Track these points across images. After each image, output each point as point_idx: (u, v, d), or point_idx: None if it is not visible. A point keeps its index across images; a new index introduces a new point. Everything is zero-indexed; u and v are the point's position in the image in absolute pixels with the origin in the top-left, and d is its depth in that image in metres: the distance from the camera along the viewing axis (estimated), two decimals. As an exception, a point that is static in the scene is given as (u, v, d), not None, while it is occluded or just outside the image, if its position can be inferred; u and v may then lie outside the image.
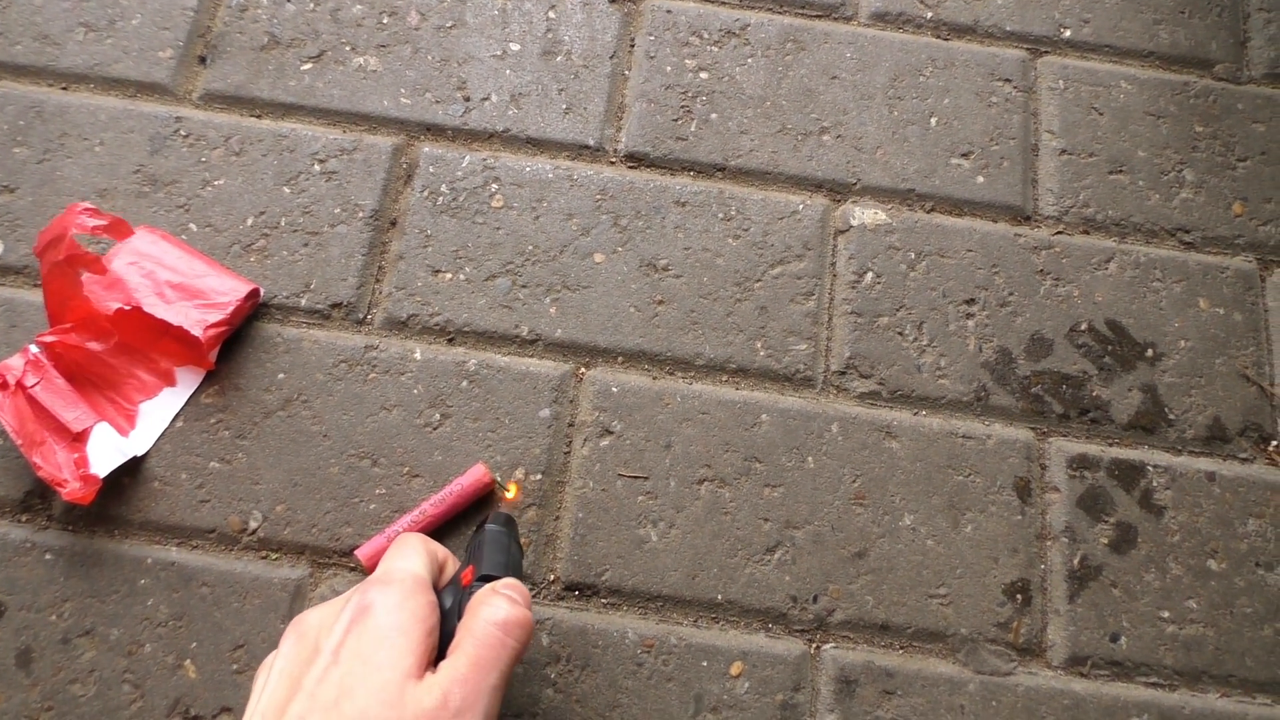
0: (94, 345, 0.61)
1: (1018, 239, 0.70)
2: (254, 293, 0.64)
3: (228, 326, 0.63)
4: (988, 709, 0.59)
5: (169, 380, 0.62)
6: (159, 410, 0.62)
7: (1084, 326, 0.68)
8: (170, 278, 0.63)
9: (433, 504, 0.60)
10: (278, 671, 0.44)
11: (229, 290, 0.63)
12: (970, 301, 0.68)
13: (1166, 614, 0.61)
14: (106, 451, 0.59)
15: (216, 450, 0.62)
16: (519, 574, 0.51)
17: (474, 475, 0.60)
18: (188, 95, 0.70)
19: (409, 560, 0.48)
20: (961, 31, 0.76)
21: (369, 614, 0.44)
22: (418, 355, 0.64)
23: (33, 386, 0.59)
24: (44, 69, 0.70)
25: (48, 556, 0.59)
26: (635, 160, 0.70)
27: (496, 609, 0.45)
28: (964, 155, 0.72)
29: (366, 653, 0.43)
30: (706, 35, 0.74)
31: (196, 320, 0.61)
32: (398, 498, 0.61)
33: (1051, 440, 0.65)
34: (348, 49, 0.72)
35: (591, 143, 0.71)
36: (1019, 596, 0.61)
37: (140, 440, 0.60)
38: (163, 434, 0.61)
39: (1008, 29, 0.76)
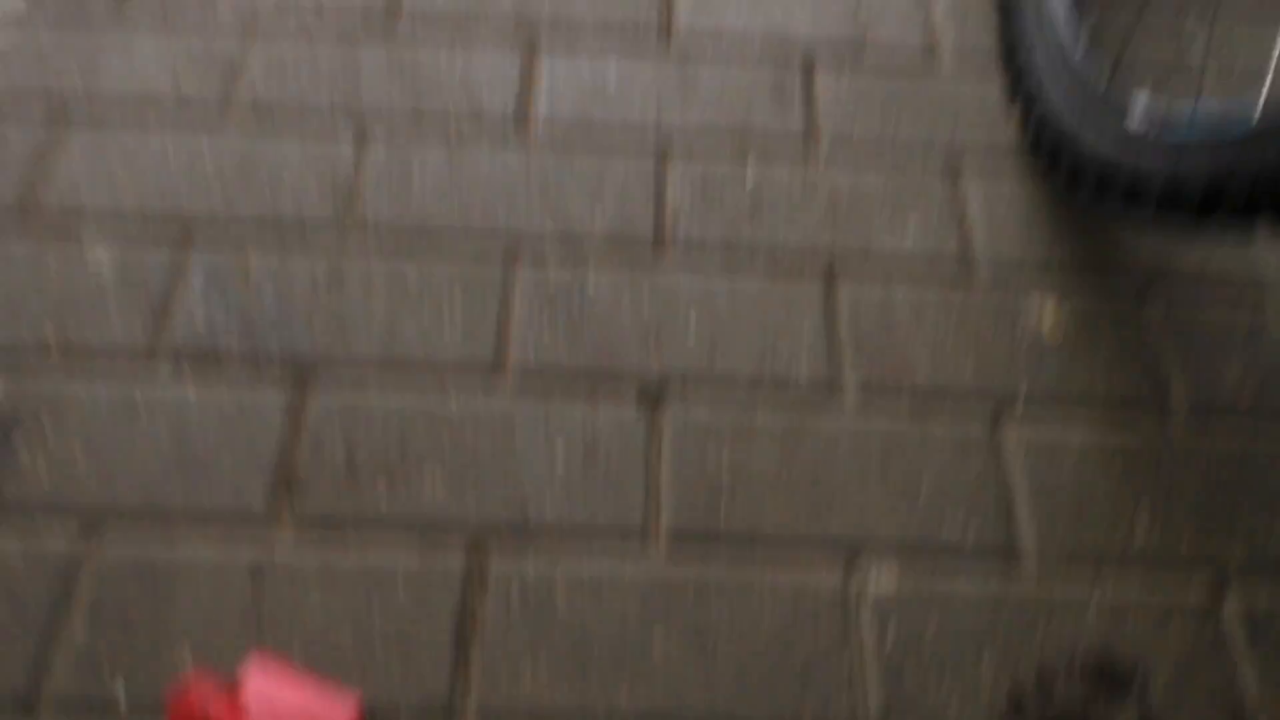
0: None
1: (1011, 584, 0.81)
2: (359, 708, 0.72)
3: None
4: None
5: None
6: None
7: (1079, 660, 0.78)
8: (288, 708, 0.71)
9: None
10: None
11: (337, 711, 0.71)
12: (980, 646, 0.78)
13: None
14: None
15: None
16: None
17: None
18: (279, 528, 0.81)
19: None
20: (932, 415, 0.90)
21: None
22: (509, 755, 0.73)
23: None
24: (148, 514, 0.80)
25: None
26: (678, 548, 0.82)
27: None
28: (954, 514, 0.84)
29: None
30: (723, 434, 0.88)
31: None
32: None
33: (1070, 772, 0.74)
34: (417, 471, 0.84)
35: (636, 539, 0.82)
36: None
37: None
38: None
39: (973, 392, 0.90)
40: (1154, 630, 0.80)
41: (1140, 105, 0.96)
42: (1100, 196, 0.96)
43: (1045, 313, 0.96)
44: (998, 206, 1.04)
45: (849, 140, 1.08)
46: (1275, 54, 1.27)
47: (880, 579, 0.81)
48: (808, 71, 1.14)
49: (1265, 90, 1.22)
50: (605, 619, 0.78)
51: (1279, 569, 0.83)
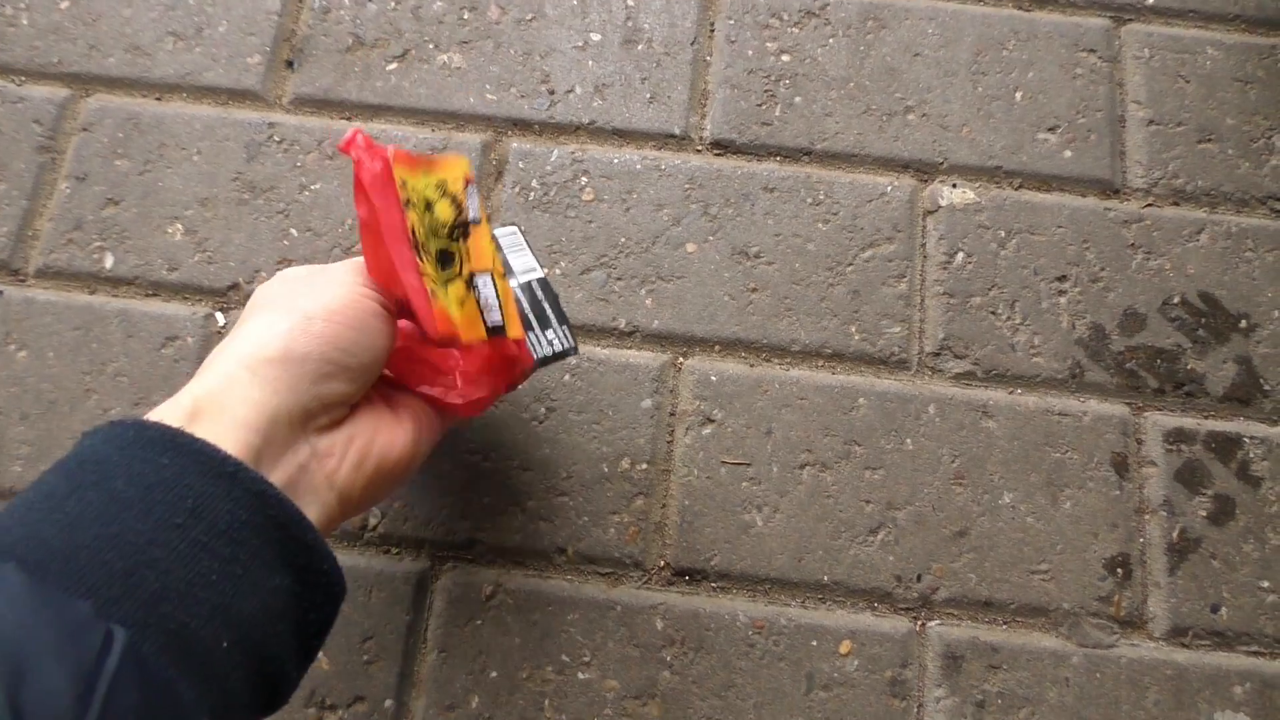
0: None
1: (1107, 213, 0.70)
2: None
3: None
4: (1091, 681, 0.60)
5: None
6: None
7: (1176, 300, 0.68)
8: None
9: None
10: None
11: None
12: (1062, 278, 0.68)
13: (1266, 584, 0.62)
14: None
15: (333, 451, 0.64)
16: None
17: None
18: (278, 100, 0.71)
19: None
20: (1043, 2, 0.75)
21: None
22: (519, 351, 0.66)
23: None
24: (138, 80, 0.72)
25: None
26: (721, 147, 0.71)
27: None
28: (1050, 130, 0.72)
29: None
30: (786, 17, 0.74)
31: None
32: (511, 491, 0.63)
33: (1147, 415, 0.66)
34: (431, 47, 0.73)
35: (677, 131, 0.71)
36: (1119, 570, 0.63)
37: None
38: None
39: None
40: (1266, 280, 0.68)
41: None
42: None
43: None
44: None
45: None
46: None
47: (955, 193, 0.70)
48: None
49: None
50: (634, 219, 0.69)
51: None
